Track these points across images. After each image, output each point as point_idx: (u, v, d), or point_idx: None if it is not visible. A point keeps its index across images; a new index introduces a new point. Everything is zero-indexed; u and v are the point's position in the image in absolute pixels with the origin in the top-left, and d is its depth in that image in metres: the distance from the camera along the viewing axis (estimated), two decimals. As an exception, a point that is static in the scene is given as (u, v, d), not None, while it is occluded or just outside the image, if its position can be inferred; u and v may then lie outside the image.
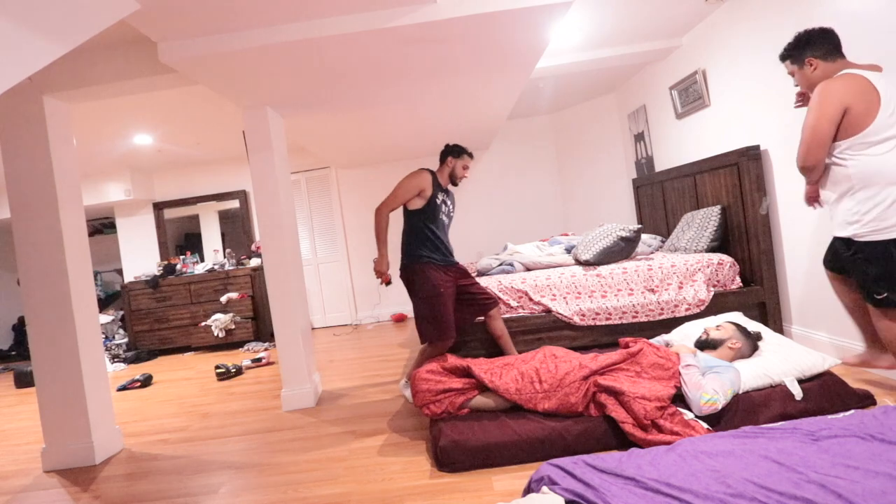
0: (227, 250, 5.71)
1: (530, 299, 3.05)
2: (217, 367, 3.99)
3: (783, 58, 2.06)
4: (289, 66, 2.51)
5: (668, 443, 1.74)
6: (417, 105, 3.54)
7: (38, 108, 2.52)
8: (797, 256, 2.79)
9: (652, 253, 3.62)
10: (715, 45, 3.25)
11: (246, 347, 5.02)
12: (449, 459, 1.95)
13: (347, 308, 5.91)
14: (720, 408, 1.89)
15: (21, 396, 4.31)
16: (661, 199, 4.16)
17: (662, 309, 2.93)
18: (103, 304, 6.28)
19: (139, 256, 5.86)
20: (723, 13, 3.12)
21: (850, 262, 1.97)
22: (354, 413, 2.77)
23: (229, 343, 5.20)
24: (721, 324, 2.35)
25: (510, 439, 1.95)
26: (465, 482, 1.86)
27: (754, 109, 2.95)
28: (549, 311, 3.02)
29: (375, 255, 2.72)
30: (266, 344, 5.06)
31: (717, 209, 3.17)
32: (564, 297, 3.04)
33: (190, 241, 6.07)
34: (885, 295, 1.89)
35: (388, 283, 2.70)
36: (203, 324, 5.17)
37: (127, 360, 5.02)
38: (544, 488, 1.44)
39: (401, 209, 2.73)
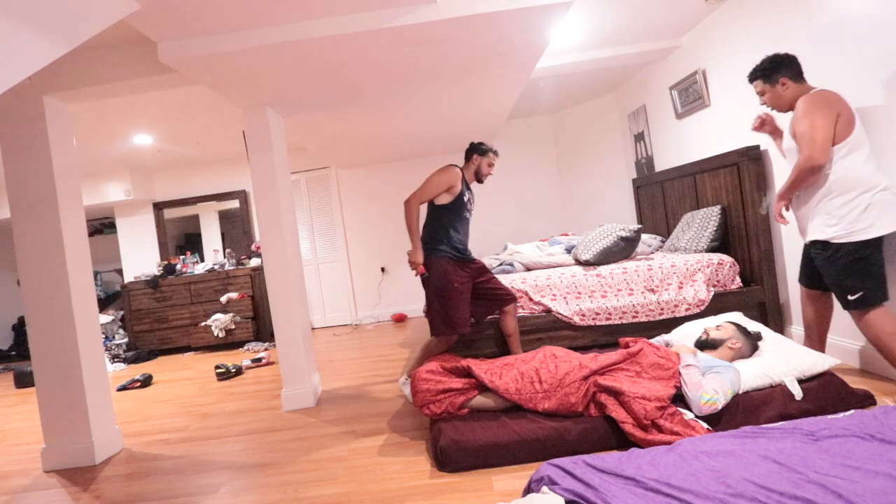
0: (227, 250, 5.71)
1: (530, 299, 3.05)
2: (217, 367, 3.99)
3: (755, 77, 2.20)
4: (289, 66, 2.51)
5: (668, 443, 1.74)
6: (417, 105, 3.54)
7: (38, 108, 2.52)
8: (797, 256, 2.78)
9: (652, 253, 3.62)
10: (715, 45, 3.25)
11: (246, 347, 5.02)
12: (449, 459, 1.95)
13: (347, 308, 5.91)
14: (720, 408, 1.89)
15: (21, 396, 4.31)
16: (661, 199, 4.16)
17: (662, 309, 2.93)
18: (103, 304, 6.28)
19: (139, 256, 5.86)
20: (723, 13, 3.12)
21: (826, 265, 2.08)
22: (354, 413, 2.77)
23: (229, 343, 5.20)
24: (721, 324, 2.34)
25: (510, 439, 1.95)
26: (465, 482, 1.86)
27: (754, 109, 2.94)
28: (549, 311, 3.02)
29: (409, 248, 2.73)
30: (266, 344, 5.06)
31: (717, 209, 3.17)
32: (564, 297, 3.04)
33: (190, 241, 6.07)
34: (860, 294, 2.00)
35: (423, 274, 2.66)
36: (203, 324, 5.17)
37: (127, 360, 5.02)
38: (544, 488, 1.44)
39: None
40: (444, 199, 2.68)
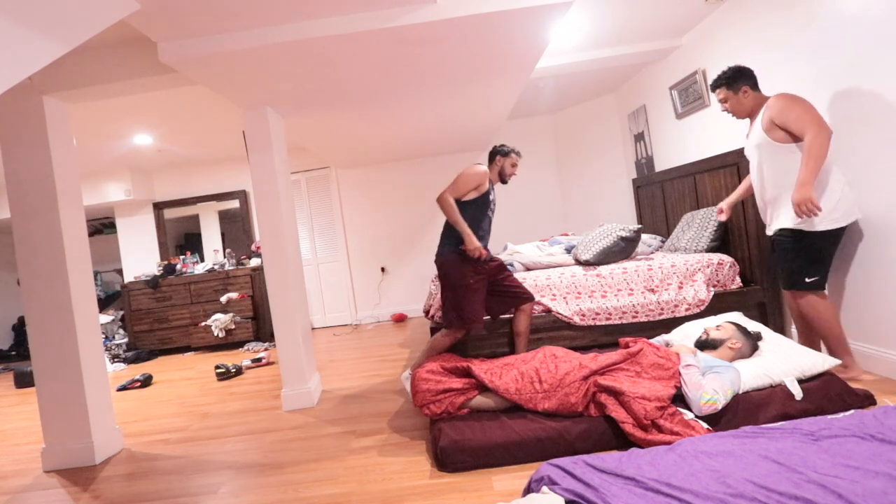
0: (227, 250, 5.71)
1: (530, 299, 3.05)
2: (217, 367, 3.99)
3: (719, 85, 2.39)
4: (289, 66, 2.51)
5: (668, 443, 1.74)
6: (417, 105, 3.54)
7: (38, 108, 2.52)
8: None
9: (652, 253, 3.62)
10: (715, 45, 3.25)
11: (246, 347, 5.02)
12: (449, 459, 1.95)
13: (347, 308, 5.91)
14: (720, 408, 1.89)
15: (21, 396, 4.31)
16: (661, 199, 4.16)
17: (662, 309, 2.93)
18: (103, 304, 6.29)
19: (139, 256, 5.86)
20: (723, 13, 3.12)
21: (790, 251, 2.26)
22: (354, 413, 2.77)
23: (229, 343, 5.20)
24: (721, 324, 2.35)
25: (510, 439, 1.95)
26: (465, 482, 1.86)
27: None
28: (549, 311, 3.02)
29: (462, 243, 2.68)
30: (266, 344, 5.06)
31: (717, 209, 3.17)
32: (564, 297, 3.04)
33: (190, 241, 6.07)
34: (816, 278, 2.25)
35: (486, 257, 2.66)
36: (203, 324, 5.17)
37: (127, 360, 5.02)
38: (544, 488, 1.44)
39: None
40: (470, 196, 2.69)
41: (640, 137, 4.64)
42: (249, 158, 3.01)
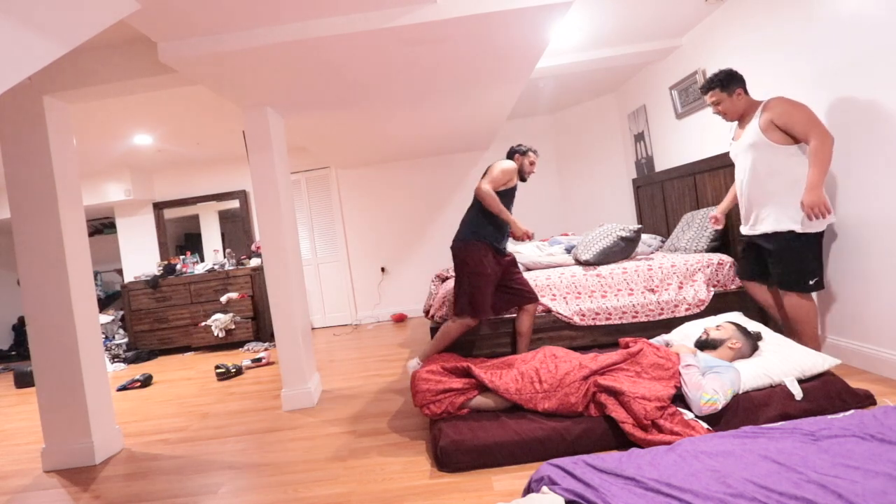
0: (227, 250, 5.71)
1: (530, 299, 3.05)
2: (217, 367, 3.99)
3: (713, 87, 2.41)
4: (289, 66, 2.51)
5: (668, 443, 1.74)
6: (417, 105, 3.54)
7: (38, 108, 2.52)
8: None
9: (652, 253, 3.62)
10: (715, 45, 3.25)
11: (246, 347, 5.02)
12: (449, 459, 1.95)
13: (347, 308, 5.91)
14: (720, 408, 1.89)
15: (21, 396, 4.31)
16: (661, 199, 4.17)
17: (662, 309, 2.93)
18: (103, 304, 6.28)
19: (139, 256, 5.86)
20: (723, 13, 3.12)
21: (789, 252, 2.27)
22: (354, 413, 2.77)
23: (229, 343, 5.20)
24: (721, 324, 2.34)
25: (510, 439, 1.95)
26: (465, 482, 1.86)
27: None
28: (549, 311, 3.02)
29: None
30: (266, 344, 5.06)
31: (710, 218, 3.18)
32: (564, 297, 3.04)
33: (190, 241, 6.07)
34: (817, 279, 2.27)
35: (531, 237, 2.71)
36: (203, 324, 5.17)
37: (127, 360, 5.02)
38: (544, 488, 1.44)
39: (468, 192, 2.79)
40: (500, 189, 2.76)
41: (640, 137, 4.64)
42: (249, 158, 3.01)
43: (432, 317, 3.11)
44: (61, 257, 2.51)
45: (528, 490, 1.53)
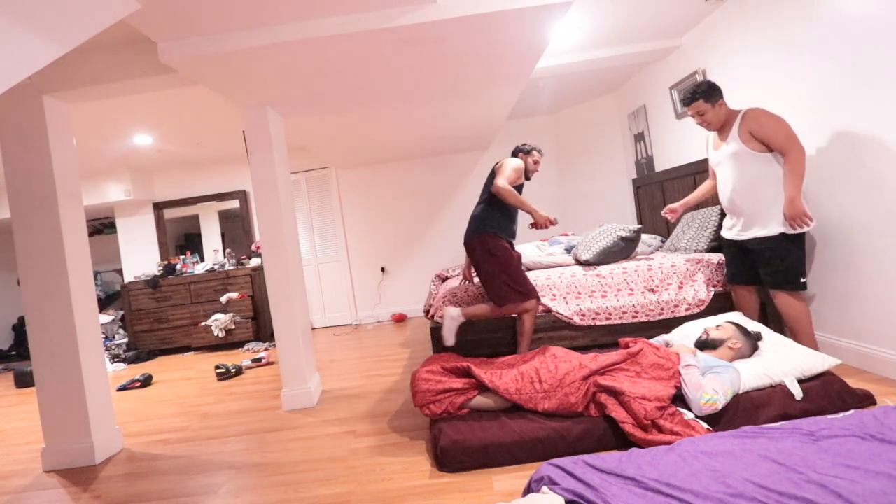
0: (227, 250, 5.72)
1: (530, 299, 3.05)
2: (217, 367, 3.99)
3: (696, 98, 2.46)
4: (289, 66, 2.51)
5: (668, 443, 1.74)
6: (417, 105, 3.54)
7: (38, 108, 2.52)
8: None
9: (652, 253, 3.61)
10: (715, 45, 3.25)
11: (246, 347, 5.02)
12: (449, 459, 1.95)
13: (347, 308, 5.91)
14: (720, 408, 1.89)
15: (21, 396, 4.31)
16: (661, 199, 4.16)
17: (662, 309, 2.93)
18: (103, 304, 6.29)
19: (139, 256, 5.86)
20: (723, 13, 3.12)
21: (783, 253, 2.34)
22: (354, 413, 2.77)
23: (229, 343, 5.20)
24: (721, 324, 2.34)
25: (510, 439, 1.95)
26: (465, 482, 1.86)
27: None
28: (549, 311, 3.02)
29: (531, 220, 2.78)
30: (266, 344, 5.06)
31: (717, 209, 3.17)
32: (564, 297, 3.04)
33: (190, 241, 6.07)
34: (806, 279, 2.37)
35: (554, 222, 2.72)
36: (203, 324, 5.17)
37: (127, 360, 5.02)
38: (544, 488, 1.44)
39: (486, 188, 2.85)
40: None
41: (640, 137, 4.64)
42: (249, 158, 3.01)
43: (432, 317, 3.11)
44: (61, 257, 2.51)
45: (528, 490, 1.53)
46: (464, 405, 2.21)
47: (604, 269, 3.10)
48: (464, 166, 5.81)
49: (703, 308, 2.89)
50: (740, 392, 1.99)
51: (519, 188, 2.83)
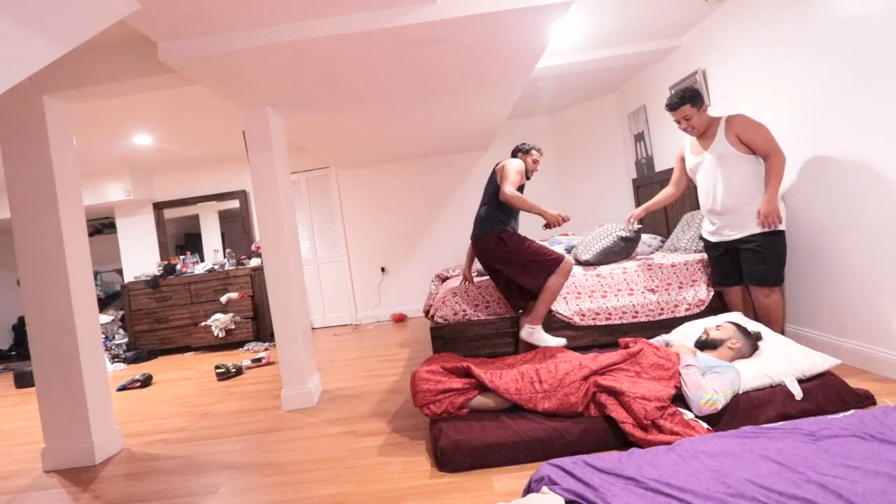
0: (227, 250, 5.71)
1: (530, 299, 3.05)
2: (217, 367, 3.99)
3: (683, 103, 2.53)
4: (289, 66, 2.51)
5: (669, 443, 1.74)
6: (417, 105, 3.54)
7: (38, 108, 2.52)
8: (796, 256, 2.79)
9: (652, 253, 3.61)
10: (715, 45, 3.25)
11: (246, 347, 5.02)
12: (449, 459, 1.95)
13: (347, 308, 5.91)
14: (720, 408, 1.89)
15: (21, 396, 4.31)
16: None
17: (662, 309, 2.93)
18: (103, 304, 6.28)
19: (139, 256, 5.86)
20: (723, 13, 3.12)
21: (771, 251, 2.43)
22: (354, 413, 2.77)
23: (229, 343, 5.20)
24: (721, 324, 2.34)
25: (510, 439, 1.95)
26: (465, 482, 1.86)
27: (754, 109, 2.94)
28: (548, 311, 3.01)
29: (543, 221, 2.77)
30: (266, 344, 5.06)
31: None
32: (564, 297, 3.04)
33: (190, 241, 6.07)
34: (783, 273, 2.50)
35: (566, 219, 2.72)
36: (203, 324, 5.17)
37: (127, 360, 5.02)
38: (544, 488, 1.44)
39: (489, 189, 2.87)
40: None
41: (640, 137, 4.64)
42: (249, 158, 3.01)
43: (432, 317, 3.11)
44: (61, 257, 2.51)
45: (528, 490, 1.53)
46: (464, 405, 2.21)
47: (604, 269, 3.10)
48: (464, 166, 5.81)
49: (703, 308, 2.89)
50: (740, 392, 1.99)
51: (520, 189, 2.84)
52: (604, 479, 1.43)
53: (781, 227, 2.42)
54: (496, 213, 2.80)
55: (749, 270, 2.52)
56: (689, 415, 1.91)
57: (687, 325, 2.66)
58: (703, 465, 1.45)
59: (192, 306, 5.30)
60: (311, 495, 1.93)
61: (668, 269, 3.00)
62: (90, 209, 5.54)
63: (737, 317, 2.52)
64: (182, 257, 5.69)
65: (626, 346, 2.38)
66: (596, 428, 1.98)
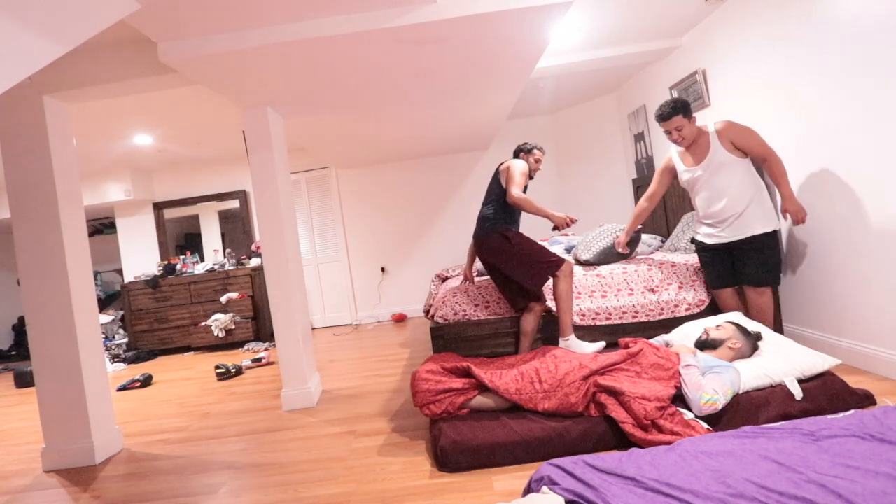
0: (227, 250, 5.72)
1: (530, 299, 3.04)
2: (217, 367, 3.99)
3: (675, 114, 2.53)
4: (289, 66, 2.51)
5: (668, 443, 1.74)
6: (417, 105, 3.54)
7: (38, 108, 2.52)
8: (796, 256, 2.79)
9: (652, 253, 3.61)
10: (715, 45, 3.25)
11: (246, 347, 5.02)
12: (449, 459, 1.94)
13: (347, 308, 5.91)
14: (720, 408, 1.89)
15: (21, 396, 4.31)
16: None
17: (662, 309, 2.93)
18: (103, 304, 6.29)
19: (139, 256, 5.86)
20: (723, 13, 3.12)
21: (767, 251, 2.47)
22: (354, 413, 2.77)
23: (229, 343, 5.20)
24: (721, 324, 2.34)
25: (510, 439, 1.95)
26: (465, 482, 1.86)
27: (754, 109, 2.95)
28: (549, 311, 3.01)
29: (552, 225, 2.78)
30: (266, 344, 5.06)
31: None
32: (564, 297, 3.04)
33: (190, 241, 6.07)
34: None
35: (573, 221, 2.72)
36: (203, 324, 5.17)
37: (127, 360, 5.02)
38: (544, 488, 1.44)
39: (493, 188, 2.87)
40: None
41: (640, 137, 4.64)
42: (249, 158, 3.01)
43: (432, 317, 3.10)
44: (61, 257, 2.51)
45: (528, 490, 1.53)
46: (464, 405, 2.21)
47: (604, 270, 3.10)
48: (464, 166, 5.81)
49: (703, 308, 2.89)
50: (740, 392, 1.99)
51: (526, 189, 2.85)
52: (604, 479, 1.43)
53: (776, 226, 2.47)
54: (501, 212, 2.80)
55: (749, 271, 2.52)
56: (689, 415, 1.91)
57: (687, 325, 2.66)
58: (703, 465, 1.45)
59: (192, 306, 5.30)
60: (311, 495, 1.93)
61: (668, 269, 3.00)
62: (90, 209, 5.54)
63: (737, 317, 2.52)
64: (182, 257, 5.70)
65: (626, 346, 2.39)
66: (596, 428, 1.98)
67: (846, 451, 1.43)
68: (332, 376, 3.62)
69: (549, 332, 3.02)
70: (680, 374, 2.04)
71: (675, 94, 3.80)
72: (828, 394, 1.99)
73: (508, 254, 2.74)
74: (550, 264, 2.68)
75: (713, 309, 2.88)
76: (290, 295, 3.00)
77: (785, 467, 1.38)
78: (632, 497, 1.33)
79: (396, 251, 5.86)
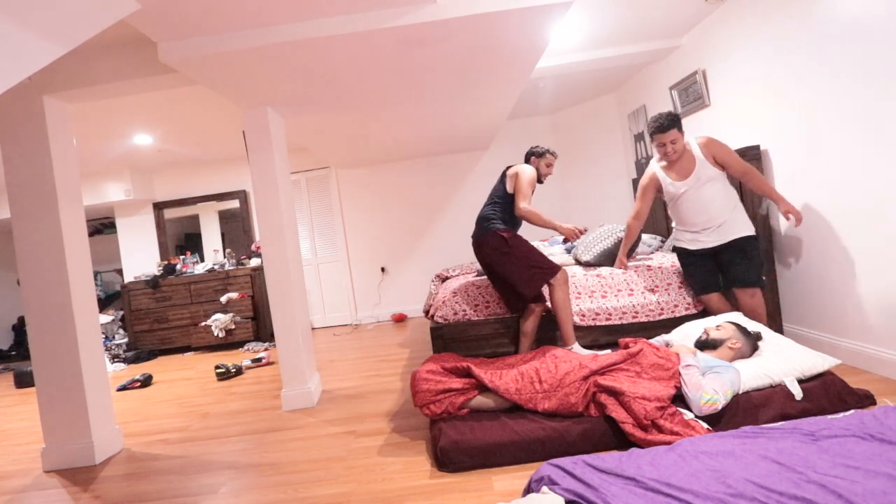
0: (227, 250, 5.72)
1: (530, 299, 3.04)
2: (217, 367, 3.99)
3: (673, 126, 2.55)
4: (289, 66, 2.51)
5: (668, 443, 1.74)
6: (417, 105, 3.54)
7: (38, 108, 2.52)
8: (796, 256, 2.79)
9: (652, 253, 3.61)
10: (715, 45, 3.25)
11: (246, 347, 5.02)
12: (449, 459, 1.95)
13: (347, 308, 5.91)
14: (720, 408, 1.89)
15: (21, 396, 4.31)
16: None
17: (662, 309, 2.93)
18: (103, 304, 6.29)
19: (139, 256, 5.86)
20: (723, 13, 3.12)
21: (753, 254, 2.53)
22: (354, 413, 2.77)
23: (229, 343, 5.20)
24: (721, 324, 2.34)
25: (510, 439, 1.95)
26: (465, 482, 1.86)
27: (754, 109, 2.95)
28: (549, 311, 3.01)
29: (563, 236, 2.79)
30: (266, 344, 5.06)
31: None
32: (564, 297, 3.04)
33: (190, 241, 6.07)
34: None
35: (583, 231, 2.74)
36: (203, 324, 5.17)
37: (127, 360, 5.02)
38: (544, 488, 1.44)
39: (497, 190, 2.87)
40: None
41: (640, 137, 4.63)
42: (249, 158, 3.01)
43: (432, 317, 3.10)
44: (61, 257, 2.51)
45: (528, 490, 1.53)
46: (464, 405, 2.21)
47: (604, 270, 3.10)
48: (464, 166, 5.80)
49: (702, 308, 2.89)
50: (740, 392, 1.99)
51: (533, 195, 2.83)
52: (604, 479, 1.43)
53: (752, 232, 2.54)
54: (500, 213, 2.80)
55: (737, 273, 2.56)
56: (689, 415, 1.91)
57: (687, 325, 2.66)
58: (703, 465, 1.45)
59: (192, 306, 5.30)
60: (311, 495, 1.93)
61: (668, 269, 3.00)
62: (90, 209, 5.54)
63: (737, 317, 2.52)
64: (182, 257, 5.69)
65: (626, 346, 2.39)
66: (596, 428, 1.98)
67: (846, 451, 1.43)
68: (332, 376, 3.62)
69: (550, 332, 3.02)
70: (680, 374, 2.04)
71: (676, 94, 3.80)
72: (828, 394, 1.99)
73: (505, 255, 2.73)
74: (545, 270, 2.67)
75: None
76: (290, 295, 3.00)
77: (785, 467, 1.38)
78: (632, 497, 1.33)
79: (396, 251, 5.86)
